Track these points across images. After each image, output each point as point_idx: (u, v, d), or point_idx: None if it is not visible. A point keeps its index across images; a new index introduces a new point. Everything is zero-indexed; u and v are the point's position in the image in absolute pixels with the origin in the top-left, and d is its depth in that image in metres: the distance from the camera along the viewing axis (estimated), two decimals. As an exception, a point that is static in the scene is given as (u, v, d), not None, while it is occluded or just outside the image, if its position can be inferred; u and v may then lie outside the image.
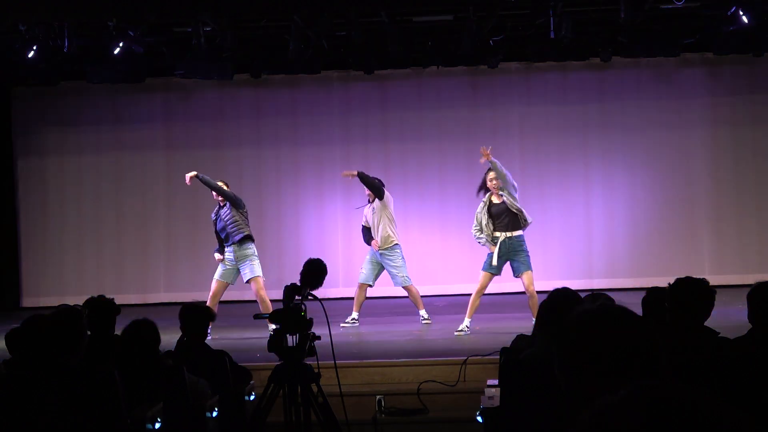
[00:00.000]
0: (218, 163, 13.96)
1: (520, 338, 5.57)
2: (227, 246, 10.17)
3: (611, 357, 1.88)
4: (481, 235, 9.73)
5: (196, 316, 6.24)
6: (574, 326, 1.96)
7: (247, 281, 10.19)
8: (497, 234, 9.65)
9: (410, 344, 9.47)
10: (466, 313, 9.70)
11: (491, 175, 9.77)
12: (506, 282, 13.55)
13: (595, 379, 1.87)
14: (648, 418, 1.26)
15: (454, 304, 10.81)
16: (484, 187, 9.87)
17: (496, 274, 9.74)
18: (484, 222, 9.68)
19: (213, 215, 10.37)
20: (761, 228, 13.54)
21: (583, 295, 5.28)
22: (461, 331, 9.65)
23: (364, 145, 13.86)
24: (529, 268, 9.55)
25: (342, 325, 10.23)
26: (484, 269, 9.70)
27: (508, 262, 9.66)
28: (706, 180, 13.61)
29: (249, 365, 8.04)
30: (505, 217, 9.65)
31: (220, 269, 10.23)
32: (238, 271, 10.19)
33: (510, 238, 9.60)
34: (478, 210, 9.77)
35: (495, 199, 9.75)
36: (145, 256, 14.03)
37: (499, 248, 9.59)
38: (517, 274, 9.64)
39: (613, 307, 2.02)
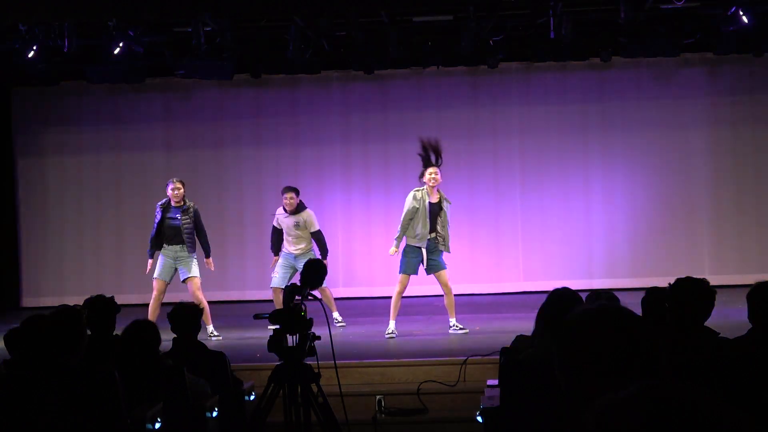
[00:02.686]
0: (218, 163, 13.97)
1: (520, 339, 5.57)
2: (170, 245, 10.06)
3: (611, 357, 1.88)
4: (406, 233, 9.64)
5: (185, 317, 6.24)
6: (574, 326, 1.96)
7: (185, 280, 10.13)
8: (431, 235, 9.63)
9: (410, 344, 9.47)
10: (393, 315, 9.81)
11: (432, 170, 9.65)
12: (506, 282, 13.59)
13: (595, 379, 1.87)
14: (651, 416, 1.26)
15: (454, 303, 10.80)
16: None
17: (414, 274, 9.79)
18: (423, 221, 9.58)
19: (160, 210, 10.12)
20: (761, 228, 13.54)
21: (583, 295, 5.27)
22: (391, 334, 9.72)
23: (364, 145, 13.85)
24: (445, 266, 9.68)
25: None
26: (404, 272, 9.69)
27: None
28: (706, 179, 13.60)
29: (249, 365, 8.06)
30: (436, 219, 9.64)
31: (160, 267, 10.12)
32: (176, 270, 10.16)
33: (433, 238, 9.64)
34: (413, 206, 9.60)
35: (433, 199, 9.69)
36: (144, 256, 13.96)
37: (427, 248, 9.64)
38: (434, 271, 9.66)
39: (612, 307, 2.02)
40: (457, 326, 9.84)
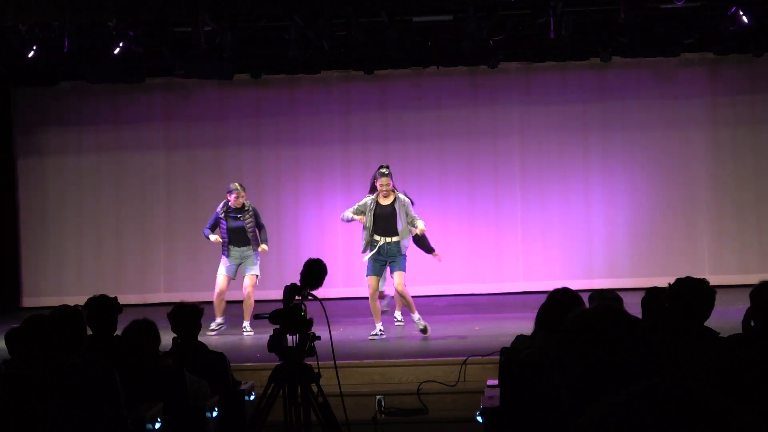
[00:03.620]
0: (218, 163, 13.97)
1: (520, 339, 5.57)
2: (237, 247, 10.32)
3: (610, 357, 1.88)
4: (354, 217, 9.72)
5: (185, 316, 6.24)
6: (571, 328, 1.97)
7: (249, 275, 10.37)
8: (376, 237, 9.65)
9: (410, 344, 9.47)
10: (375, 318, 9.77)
11: (383, 180, 9.66)
12: (505, 282, 13.59)
13: (595, 379, 1.87)
14: (652, 417, 1.25)
15: (454, 304, 10.82)
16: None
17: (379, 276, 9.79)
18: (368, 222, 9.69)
19: (221, 213, 10.36)
20: (761, 228, 13.54)
21: (583, 295, 5.26)
22: (375, 335, 9.68)
23: (364, 145, 13.85)
24: (403, 269, 9.63)
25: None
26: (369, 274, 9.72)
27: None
28: (706, 180, 13.61)
29: (249, 365, 8.07)
30: (387, 222, 9.64)
31: (226, 267, 10.37)
32: (238, 267, 10.45)
33: (389, 243, 9.63)
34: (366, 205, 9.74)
35: (383, 201, 9.73)
36: (144, 256, 14.03)
37: (378, 251, 9.63)
38: (392, 271, 9.69)
39: (610, 308, 2.02)
40: (419, 322, 9.69)
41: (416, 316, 9.67)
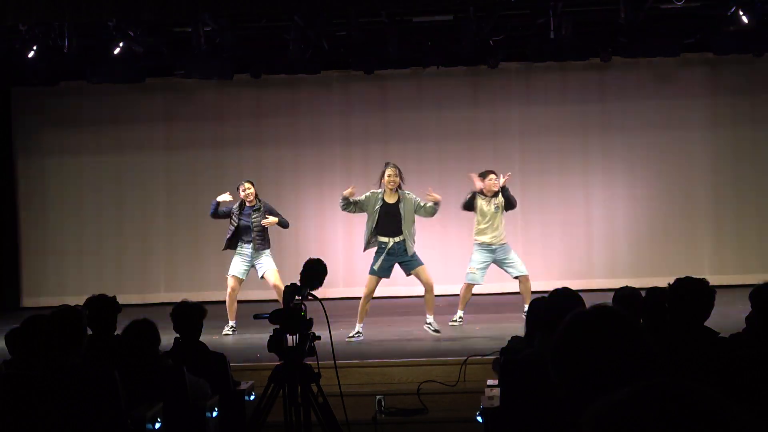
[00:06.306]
0: (218, 163, 13.97)
1: (515, 339, 5.59)
2: (243, 245, 10.24)
3: (605, 358, 1.88)
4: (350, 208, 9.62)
5: (187, 315, 6.23)
6: (567, 329, 1.97)
7: (262, 276, 10.30)
8: (382, 239, 9.60)
9: (410, 344, 9.47)
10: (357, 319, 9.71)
11: (390, 171, 9.54)
12: (506, 282, 13.55)
13: (593, 379, 1.87)
14: (658, 414, 1.25)
15: (454, 304, 10.80)
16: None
17: (386, 277, 9.73)
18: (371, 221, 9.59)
19: (236, 211, 10.25)
20: (761, 228, 13.54)
21: (582, 294, 5.25)
22: (352, 338, 9.59)
23: (364, 145, 13.85)
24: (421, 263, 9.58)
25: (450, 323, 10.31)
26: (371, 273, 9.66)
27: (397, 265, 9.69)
28: (706, 180, 13.60)
29: (249, 365, 8.07)
30: (391, 222, 9.55)
31: (233, 265, 10.26)
32: (252, 267, 10.33)
33: (397, 242, 9.59)
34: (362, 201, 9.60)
35: (388, 199, 9.64)
36: (145, 256, 14.02)
37: (388, 253, 9.58)
38: (411, 269, 9.62)
39: (603, 309, 2.03)
40: (431, 325, 9.74)
41: (431, 317, 9.69)
